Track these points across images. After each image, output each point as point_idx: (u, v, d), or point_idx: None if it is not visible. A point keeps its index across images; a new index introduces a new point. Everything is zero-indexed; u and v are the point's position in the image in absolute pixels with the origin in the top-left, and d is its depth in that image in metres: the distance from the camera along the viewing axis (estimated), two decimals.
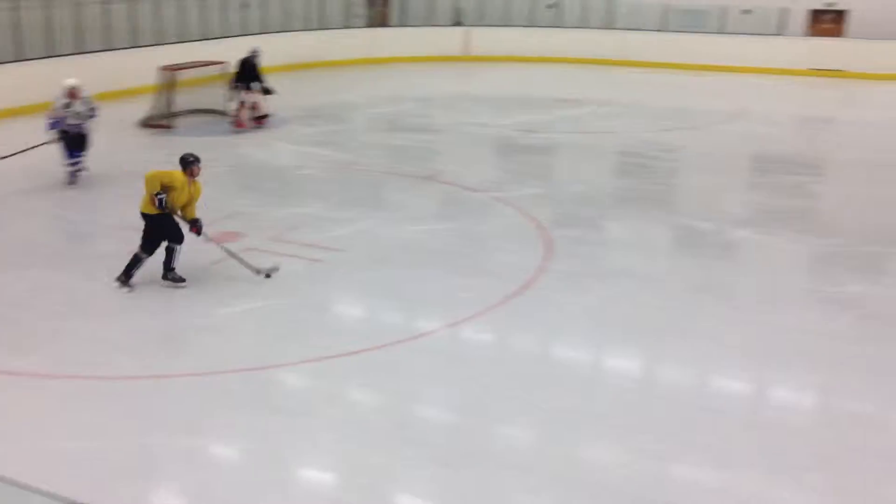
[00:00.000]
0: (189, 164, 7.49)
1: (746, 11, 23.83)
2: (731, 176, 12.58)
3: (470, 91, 20.79)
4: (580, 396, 5.98)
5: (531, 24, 25.70)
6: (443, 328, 7.02)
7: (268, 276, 7.77)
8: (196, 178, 7.57)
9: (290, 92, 16.68)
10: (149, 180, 7.38)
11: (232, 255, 7.80)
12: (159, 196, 7.32)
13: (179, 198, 7.46)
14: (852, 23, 23.10)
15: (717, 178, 12.21)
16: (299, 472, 5.18)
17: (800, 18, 23.73)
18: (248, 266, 7.74)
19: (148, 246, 7.53)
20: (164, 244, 7.60)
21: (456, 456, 5.21)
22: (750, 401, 6.13)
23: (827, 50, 22.39)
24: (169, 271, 7.65)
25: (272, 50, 17.06)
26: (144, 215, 7.50)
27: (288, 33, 22.87)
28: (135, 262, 7.54)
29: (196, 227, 7.60)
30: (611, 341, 6.91)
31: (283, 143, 13.91)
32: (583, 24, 25.33)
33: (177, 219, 7.58)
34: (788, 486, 4.98)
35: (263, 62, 14.98)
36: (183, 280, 7.64)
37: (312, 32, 23.72)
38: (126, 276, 7.54)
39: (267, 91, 14.75)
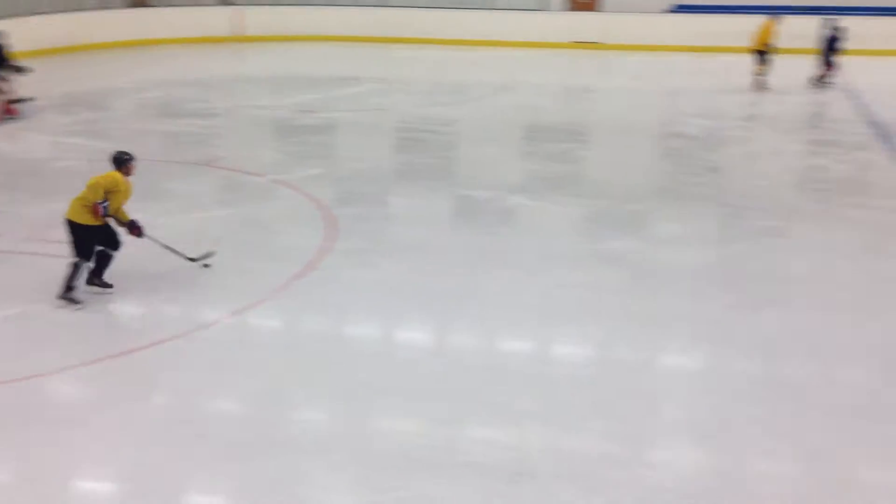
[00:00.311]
0: (125, 162, 6.97)
1: None
2: (505, 146, 13.10)
3: (245, 72, 20.24)
4: (373, 372, 6.03)
5: (303, 3, 25.31)
6: (228, 317, 6.81)
7: (206, 265, 7.56)
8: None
9: (43, 79, 15.43)
10: (92, 188, 6.72)
11: (168, 248, 7.42)
12: (104, 205, 6.73)
13: (119, 200, 6.93)
14: None
15: (492, 149, 12.68)
16: (75, 487, 4.85)
17: None
18: (185, 257, 7.49)
19: (86, 252, 6.87)
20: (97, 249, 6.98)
21: (251, 446, 5.10)
22: (535, 357, 6.44)
23: (585, 24, 23.79)
24: (98, 277, 7.07)
25: (19, 34, 15.63)
26: (74, 224, 6.79)
27: (37, 16, 21.09)
28: (75, 272, 6.85)
29: (137, 228, 7.14)
30: (400, 314, 7.01)
31: (36, 135, 12.86)
32: (355, 2, 25.30)
33: (111, 223, 7.01)
34: (574, 434, 5.30)
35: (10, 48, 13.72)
36: (111, 286, 7.10)
37: (66, 14, 22.04)
38: (69, 290, 6.84)
39: (19, 70, 13.55)
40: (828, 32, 17.00)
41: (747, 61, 17.40)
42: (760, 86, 17.11)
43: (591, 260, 8.15)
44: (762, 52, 17.09)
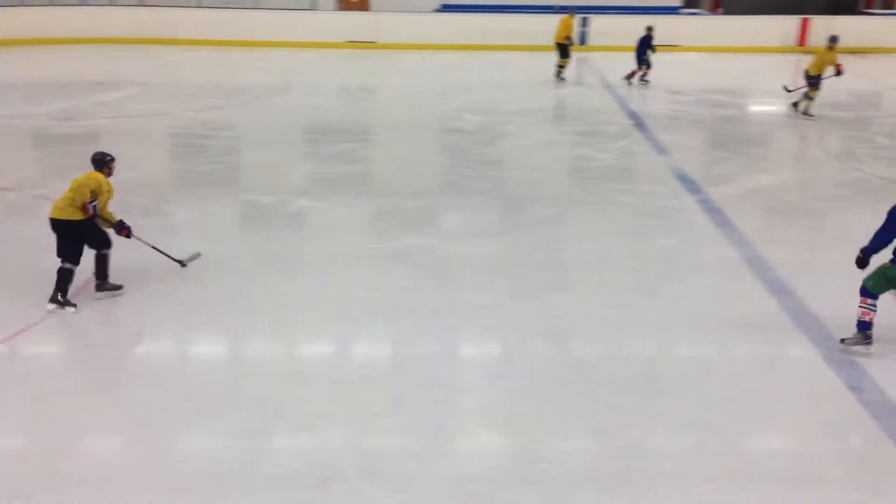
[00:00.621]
0: (106, 162, 7.08)
1: None
2: (287, 148, 12.85)
3: None
4: (162, 390, 5.71)
5: (52, 3, 23.50)
6: None
7: (183, 265, 7.58)
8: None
9: None
10: (77, 191, 6.68)
11: (156, 249, 7.47)
12: (93, 204, 6.77)
13: (103, 201, 6.96)
14: None
15: (274, 152, 12.39)
16: None
17: None
18: (170, 257, 7.53)
19: (74, 255, 6.84)
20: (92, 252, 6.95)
21: (32, 483, 4.67)
22: (330, 360, 6.37)
23: (359, 23, 23.85)
24: (105, 280, 7.02)
25: None
26: (63, 223, 6.73)
27: None
28: (68, 277, 6.81)
29: (125, 228, 7.14)
30: (186, 328, 6.70)
31: None
32: (112, 2, 23.82)
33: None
34: (376, 433, 5.30)
35: None
36: (121, 287, 7.09)
37: None
38: (63, 294, 6.77)
39: None
40: (642, 33, 17.77)
41: (515, 58, 18.17)
42: (560, 77, 18.07)
43: (379, 258, 8.17)
44: (563, 46, 18.05)
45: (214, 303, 7.08)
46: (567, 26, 18.15)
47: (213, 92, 17.27)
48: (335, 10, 24.95)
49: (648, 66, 17.61)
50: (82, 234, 6.84)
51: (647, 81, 17.71)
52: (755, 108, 17.09)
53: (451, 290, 7.42)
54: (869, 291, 6.14)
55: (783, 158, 12.44)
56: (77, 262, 6.86)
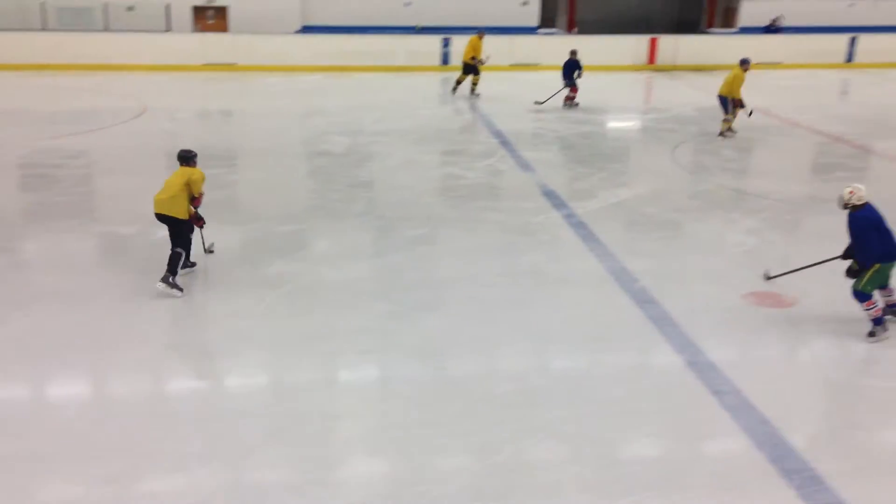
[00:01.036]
0: (193, 157, 7.77)
1: (130, 8, 23.61)
2: (145, 175, 12.28)
3: None
4: (20, 438, 5.38)
5: None
6: None
7: (210, 251, 8.49)
8: None
9: None
10: (197, 182, 7.57)
11: (203, 240, 8.31)
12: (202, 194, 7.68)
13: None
14: (233, 18, 24.44)
15: (132, 180, 11.88)
16: None
17: (184, 15, 24.28)
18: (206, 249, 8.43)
19: (187, 242, 7.68)
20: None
21: None
22: (200, 394, 6.17)
23: (216, 45, 23.30)
24: (174, 275, 7.50)
25: None
26: (168, 219, 7.52)
27: None
28: (180, 259, 7.52)
29: (201, 218, 7.88)
30: (43, 371, 6.34)
31: None
32: None
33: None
34: (251, 468, 5.16)
35: None
36: (181, 290, 7.54)
37: None
38: (173, 275, 7.46)
39: None
40: (568, 57, 17.79)
41: (378, 78, 18.14)
42: (471, 93, 18.70)
43: (250, 286, 7.99)
44: (469, 65, 18.60)
45: (68, 344, 6.72)
46: (474, 47, 18.59)
47: (63, 118, 16.44)
48: (191, 32, 24.31)
49: (572, 87, 17.79)
50: (176, 230, 7.56)
51: (576, 104, 17.84)
52: (612, 125, 17.79)
53: (324, 316, 7.33)
54: (868, 294, 6.89)
55: (640, 173, 12.99)
56: (188, 248, 7.70)
